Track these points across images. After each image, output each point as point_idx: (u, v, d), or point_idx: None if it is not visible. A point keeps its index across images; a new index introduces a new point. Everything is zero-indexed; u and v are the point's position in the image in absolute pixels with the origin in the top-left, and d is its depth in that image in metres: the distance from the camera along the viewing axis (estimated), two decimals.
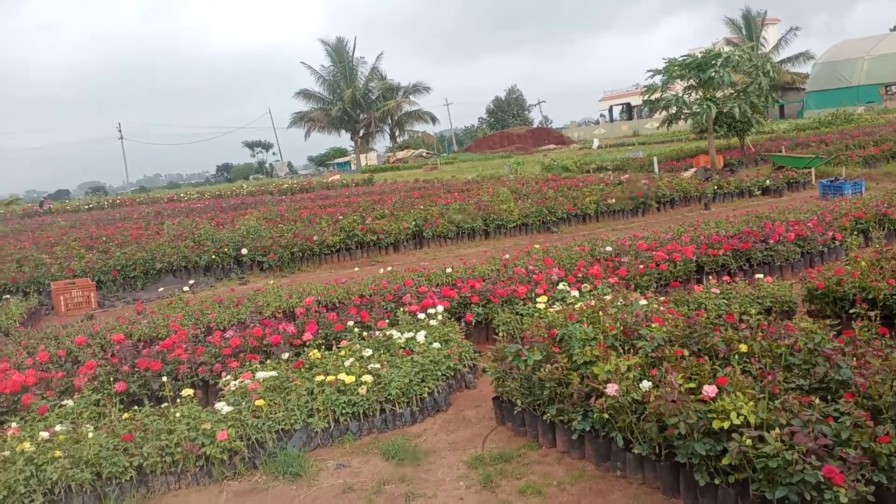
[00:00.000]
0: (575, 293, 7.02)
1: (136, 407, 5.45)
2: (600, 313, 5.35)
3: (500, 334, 6.22)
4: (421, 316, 6.85)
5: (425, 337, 6.23)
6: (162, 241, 14.34)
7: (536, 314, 6.33)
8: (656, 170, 24.26)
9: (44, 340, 7.41)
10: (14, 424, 5.13)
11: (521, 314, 6.89)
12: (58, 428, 4.89)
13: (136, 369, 6.07)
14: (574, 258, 9.06)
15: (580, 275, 8.09)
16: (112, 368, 6.11)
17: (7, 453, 4.55)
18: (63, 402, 5.51)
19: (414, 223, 15.12)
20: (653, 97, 23.39)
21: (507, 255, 9.73)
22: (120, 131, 72.34)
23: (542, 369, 4.80)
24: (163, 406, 5.30)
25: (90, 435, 4.76)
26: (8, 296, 11.36)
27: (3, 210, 40.23)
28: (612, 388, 4.21)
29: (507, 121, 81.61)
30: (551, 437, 4.87)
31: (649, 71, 22.92)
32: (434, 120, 65.91)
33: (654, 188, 17.82)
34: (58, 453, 4.55)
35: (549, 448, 4.88)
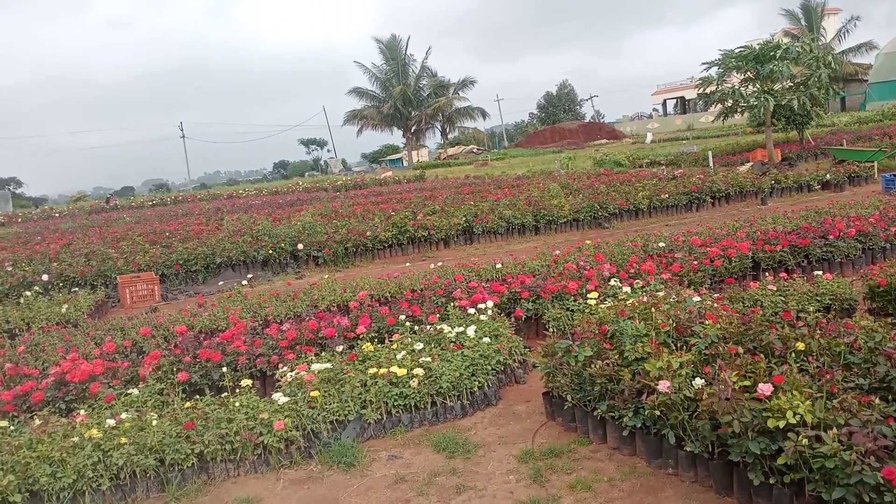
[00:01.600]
0: (627, 289, 6.98)
1: (197, 396, 5.67)
2: (652, 310, 5.31)
3: (551, 330, 6.24)
4: (471, 311, 6.91)
5: (475, 332, 6.28)
6: (222, 236, 14.74)
7: (587, 310, 6.32)
8: (711, 164, 23.75)
9: (111, 332, 7.72)
10: (83, 412, 5.39)
11: (572, 310, 6.88)
12: (124, 416, 5.11)
13: (198, 360, 6.30)
14: (626, 254, 8.98)
15: (632, 271, 8.02)
16: (175, 359, 6.35)
17: (76, 439, 4.77)
18: (129, 391, 5.76)
19: (464, 219, 15.19)
20: (708, 90, 22.88)
21: (558, 251, 9.70)
22: (182, 130, 74.67)
23: (592, 365, 4.81)
24: (223, 396, 5.51)
25: (154, 423, 4.95)
26: (77, 289, 11.88)
27: (71, 206, 41.97)
28: (663, 385, 4.19)
29: (559, 116, 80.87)
30: (602, 434, 4.87)
31: (704, 63, 22.46)
32: (485, 116, 65.72)
33: (707, 183, 17.48)
34: (123, 440, 4.76)
35: (599, 444, 4.88)
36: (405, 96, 59.65)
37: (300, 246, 13.72)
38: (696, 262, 8.13)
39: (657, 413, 4.29)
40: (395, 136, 70.42)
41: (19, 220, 35.26)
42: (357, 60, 62.62)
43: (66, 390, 5.95)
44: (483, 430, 5.35)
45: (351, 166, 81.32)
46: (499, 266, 9.02)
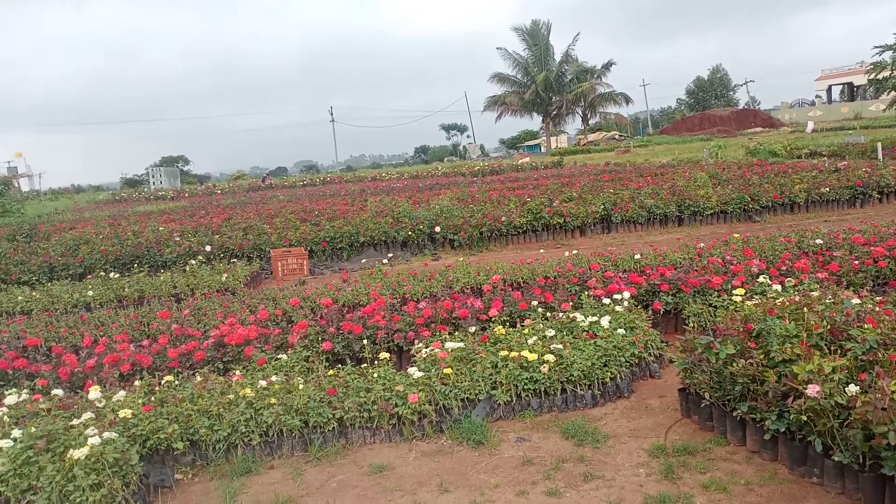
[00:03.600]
0: (777, 287, 6.59)
1: (339, 365, 6.00)
2: (805, 310, 4.99)
3: (691, 325, 6.03)
4: (606, 301, 6.80)
5: (609, 322, 6.19)
6: (365, 216, 15.36)
7: (731, 307, 6.04)
8: (880, 156, 21.68)
9: (264, 301, 8.31)
10: (238, 372, 5.87)
11: (715, 306, 6.60)
12: (273, 378, 5.52)
13: (341, 331, 6.66)
14: (778, 250, 8.46)
15: (784, 268, 7.55)
16: (320, 329, 6.75)
17: (232, 396, 5.22)
18: (278, 356, 6.19)
19: (602, 207, 14.89)
20: (881, 76, 20.92)
21: (702, 244, 9.31)
22: (332, 114, 78.52)
23: (734, 364, 4.60)
24: (362, 366, 5.80)
25: (300, 387, 5.31)
26: (235, 259, 12.87)
27: (231, 184, 45.41)
28: (812, 390, 3.94)
29: (709, 102, 76.95)
30: (740, 435, 4.66)
31: (877, 47, 20.56)
32: (628, 101, 63.67)
33: (875, 177, 16.00)
34: (273, 400, 5.15)
35: (737, 446, 4.68)
36: (546, 81, 59.01)
37: (437, 229, 14.06)
38: (857, 262, 7.51)
39: (804, 419, 4.05)
40: (535, 122, 70.07)
41: (186, 195, 38.69)
42: (500, 46, 62.79)
43: (224, 352, 6.50)
44: (613, 421, 5.29)
45: (489, 152, 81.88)
46: (637, 256, 8.79)
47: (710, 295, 6.94)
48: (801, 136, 40.71)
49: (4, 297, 10.31)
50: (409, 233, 14.05)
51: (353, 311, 7.40)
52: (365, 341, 6.42)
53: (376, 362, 5.83)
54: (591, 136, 64.38)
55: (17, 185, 51.01)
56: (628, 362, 5.87)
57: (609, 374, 5.65)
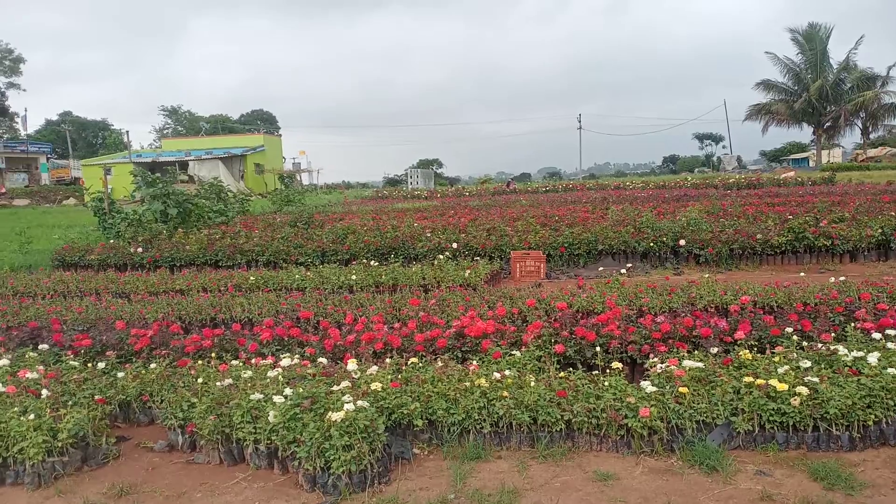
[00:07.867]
0: None
1: (570, 368, 6.06)
2: None
3: None
4: (876, 336, 6.05)
5: (878, 360, 5.49)
6: (605, 224, 15.20)
7: None
8: None
9: (501, 298, 8.64)
10: (475, 362, 6.20)
11: None
12: (507, 372, 5.74)
13: (573, 336, 6.71)
14: None
15: None
16: (553, 331, 6.86)
17: (468, 384, 5.53)
18: (512, 352, 6.41)
19: (880, 231, 13.11)
20: None
21: None
22: (579, 122, 78.77)
23: None
24: (593, 373, 5.81)
25: (531, 384, 5.47)
26: (478, 258, 13.50)
27: (478, 187, 47.66)
28: None
29: None
30: None
31: None
32: None
33: None
34: (505, 393, 5.37)
35: None
36: (821, 89, 53.29)
37: (682, 242, 13.44)
38: None
39: None
40: (804, 134, 63.72)
41: (438, 195, 41.41)
42: (768, 51, 58.14)
43: (463, 342, 6.89)
44: (873, 469, 4.70)
45: (746, 164, 76.09)
46: None
47: None
48: None
49: (285, 275, 11.92)
50: (651, 244, 13.62)
51: (587, 317, 7.40)
52: (598, 348, 6.40)
53: (608, 371, 5.79)
54: (872, 152, 56.81)
55: (299, 179, 58.46)
56: None
57: (873, 416, 5.02)
